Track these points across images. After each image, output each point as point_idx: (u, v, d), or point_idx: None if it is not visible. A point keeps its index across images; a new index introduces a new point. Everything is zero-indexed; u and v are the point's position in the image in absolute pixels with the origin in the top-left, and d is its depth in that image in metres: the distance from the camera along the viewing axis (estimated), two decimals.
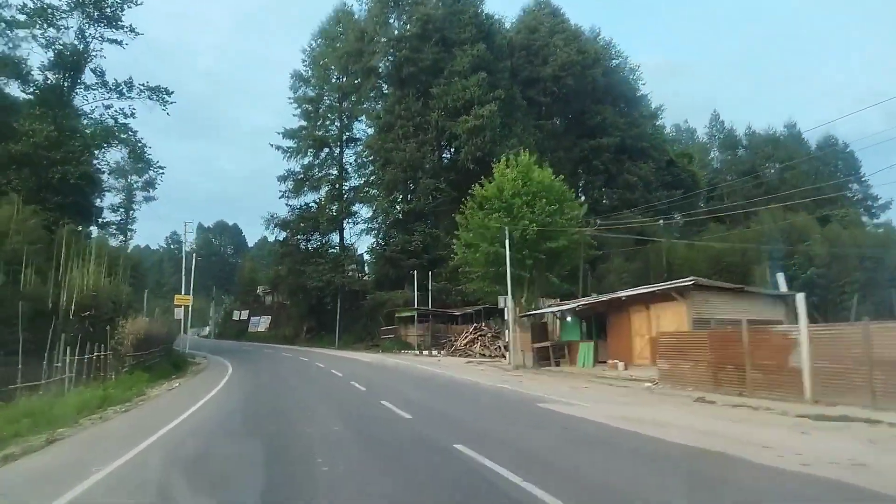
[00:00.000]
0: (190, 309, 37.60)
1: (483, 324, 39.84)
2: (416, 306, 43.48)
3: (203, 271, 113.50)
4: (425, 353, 39.35)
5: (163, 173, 41.72)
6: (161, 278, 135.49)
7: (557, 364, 23.50)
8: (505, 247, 25.15)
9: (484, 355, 36.01)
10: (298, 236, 56.30)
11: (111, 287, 26.51)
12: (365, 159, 50.70)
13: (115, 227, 79.14)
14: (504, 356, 35.52)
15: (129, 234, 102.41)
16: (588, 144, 57.74)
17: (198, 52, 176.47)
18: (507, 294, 25.58)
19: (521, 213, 25.75)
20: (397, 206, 45.86)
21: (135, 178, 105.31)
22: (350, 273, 52.23)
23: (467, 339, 38.38)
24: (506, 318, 26.28)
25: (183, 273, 38.98)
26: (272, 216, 55.67)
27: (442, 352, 38.48)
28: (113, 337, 21.75)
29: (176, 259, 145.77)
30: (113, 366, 20.01)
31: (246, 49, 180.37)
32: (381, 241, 47.65)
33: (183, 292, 37.82)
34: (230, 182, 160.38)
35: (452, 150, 47.39)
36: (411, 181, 47.32)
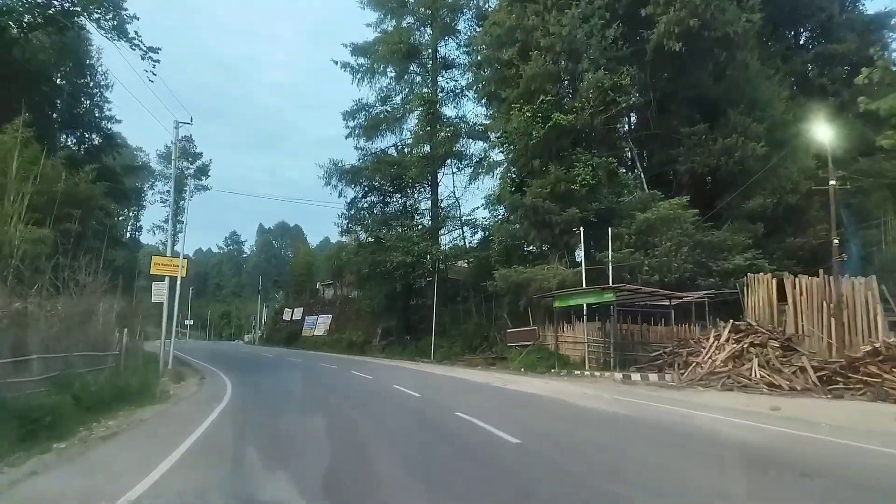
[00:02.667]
0: (172, 285, 17.98)
1: (746, 320, 19.79)
2: (585, 287, 23.74)
3: (262, 273, 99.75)
4: (636, 377, 19.63)
5: (158, 61, 24.77)
6: (220, 280, 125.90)
7: None
8: None
9: (775, 385, 16.07)
10: (372, 196, 38.04)
11: None
12: (483, 53, 30.69)
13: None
14: (815, 386, 15.47)
15: (178, 226, 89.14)
16: (811, 54, 38.29)
17: (267, 66, 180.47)
18: None
19: None
20: (540, 122, 26.04)
21: (186, 164, 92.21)
22: (455, 243, 33.35)
23: (727, 354, 18.41)
24: None
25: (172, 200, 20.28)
26: (335, 164, 37.27)
27: (667, 376, 18.86)
28: None
29: (235, 261, 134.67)
30: None
31: (313, 61, 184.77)
32: (514, 182, 27.92)
33: (169, 251, 19.03)
34: (295, 190, 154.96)
35: (634, 27, 27.63)
36: (567, 80, 27.95)
